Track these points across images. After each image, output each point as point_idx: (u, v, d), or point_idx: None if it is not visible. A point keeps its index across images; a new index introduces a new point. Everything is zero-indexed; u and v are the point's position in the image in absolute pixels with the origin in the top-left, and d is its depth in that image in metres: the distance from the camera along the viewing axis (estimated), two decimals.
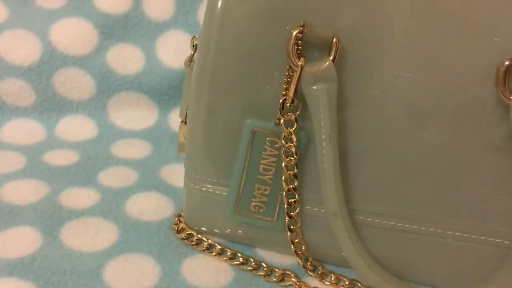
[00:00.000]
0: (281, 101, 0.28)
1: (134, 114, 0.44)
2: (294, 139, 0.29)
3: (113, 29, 0.43)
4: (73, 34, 0.42)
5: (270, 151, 0.30)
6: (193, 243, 0.32)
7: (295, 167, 0.29)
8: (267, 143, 0.30)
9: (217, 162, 0.31)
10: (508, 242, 0.29)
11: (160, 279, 0.29)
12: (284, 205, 0.30)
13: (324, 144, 0.28)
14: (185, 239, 0.33)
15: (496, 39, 0.26)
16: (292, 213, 0.31)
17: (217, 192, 0.32)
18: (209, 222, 0.33)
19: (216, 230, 0.33)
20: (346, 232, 0.29)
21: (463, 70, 0.27)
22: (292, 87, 0.28)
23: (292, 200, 0.30)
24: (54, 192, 0.35)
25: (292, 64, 0.28)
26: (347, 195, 0.30)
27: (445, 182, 0.29)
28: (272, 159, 0.30)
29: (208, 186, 0.32)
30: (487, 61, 0.26)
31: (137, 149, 0.41)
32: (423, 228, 0.30)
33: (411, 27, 0.27)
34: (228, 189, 0.31)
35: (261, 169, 0.30)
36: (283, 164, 0.29)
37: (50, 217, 0.33)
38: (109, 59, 0.43)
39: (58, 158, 0.39)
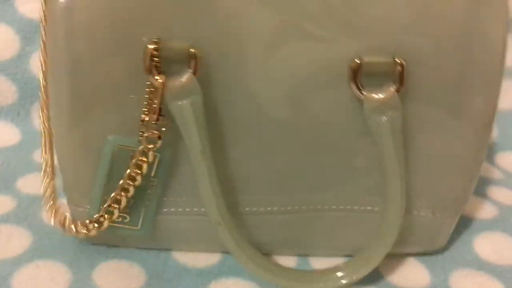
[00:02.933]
0: (145, 118, 0.28)
1: None
2: (150, 157, 0.29)
3: (36, 35, 0.43)
4: None
5: (133, 168, 0.29)
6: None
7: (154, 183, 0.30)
8: (130, 159, 0.29)
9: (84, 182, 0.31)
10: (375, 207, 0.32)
11: (70, 285, 0.30)
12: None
13: (197, 159, 0.29)
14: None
15: (349, 38, 0.28)
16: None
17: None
18: None
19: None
20: (232, 238, 0.30)
21: (319, 70, 0.28)
22: (156, 106, 0.27)
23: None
24: None
25: (152, 81, 0.27)
26: (232, 189, 0.31)
27: (315, 167, 0.31)
28: (134, 174, 0.29)
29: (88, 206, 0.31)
30: (344, 60, 0.28)
31: None
32: (303, 207, 0.32)
33: (265, 34, 0.27)
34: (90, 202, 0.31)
35: (123, 182, 0.29)
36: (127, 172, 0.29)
37: None
38: (32, 65, 0.43)
39: None
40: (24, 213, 0.35)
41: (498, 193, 0.43)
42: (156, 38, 0.27)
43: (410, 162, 0.31)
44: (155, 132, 0.28)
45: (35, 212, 0.35)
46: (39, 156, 0.41)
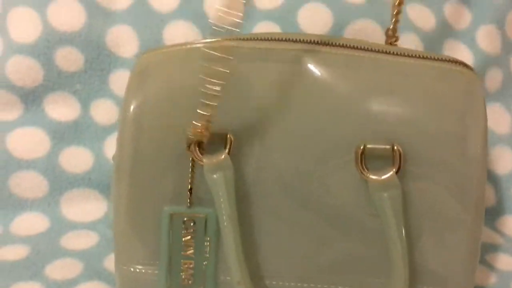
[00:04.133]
0: (189, 186, 0.34)
1: (85, 207, 0.49)
2: (197, 219, 0.34)
3: (64, 134, 0.49)
4: (27, 141, 0.48)
5: (188, 230, 0.35)
6: None
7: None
8: (184, 223, 0.35)
9: (143, 244, 0.36)
10: None
11: None
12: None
13: (225, 223, 0.33)
14: None
15: (354, 125, 0.33)
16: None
17: (148, 271, 0.36)
18: None
19: None
20: None
21: (329, 151, 0.34)
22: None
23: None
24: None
25: (194, 158, 0.33)
26: (255, 264, 0.35)
27: (329, 245, 0.35)
28: (190, 236, 0.35)
29: (137, 266, 0.36)
30: (352, 144, 0.33)
31: (85, 240, 0.46)
32: (318, 285, 0.35)
33: (282, 118, 0.34)
34: (158, 269, 0.36)
35: (183, 246, 0.35)
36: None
37: None
38: (61, 161, 0.48)
39: (10, 253, 0.43)
40: None
41: (497, 259, 0.44)
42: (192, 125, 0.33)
43: (413, 239, 0.34)
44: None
45: None
46: (65, 241, 0.45)
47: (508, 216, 0.51)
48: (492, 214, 0.51)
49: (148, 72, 0.35)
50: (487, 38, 0.52)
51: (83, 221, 0.48)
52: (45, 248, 0.44)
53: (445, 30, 0.52)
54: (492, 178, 0.53)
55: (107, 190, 0.50)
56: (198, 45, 0.35)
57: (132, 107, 0.35)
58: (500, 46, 0.52)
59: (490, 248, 0.46)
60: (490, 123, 0.52)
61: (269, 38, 0.36)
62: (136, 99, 0.35)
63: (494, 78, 0.53)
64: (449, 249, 0.35)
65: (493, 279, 0.42)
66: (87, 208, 0.49)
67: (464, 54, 0.52)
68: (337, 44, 0.35)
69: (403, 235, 0.33)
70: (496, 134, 0.53)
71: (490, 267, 0.43)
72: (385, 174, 0.33)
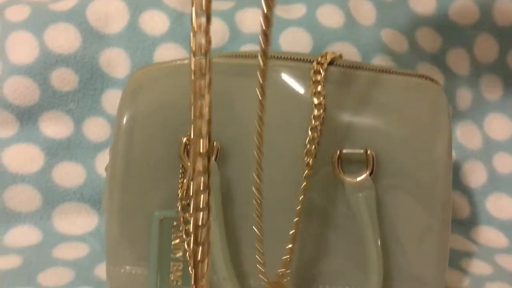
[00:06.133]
0: (179, 192, 0.36)
1: (76, 221, 0.51)
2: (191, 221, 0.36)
3: (57, 151, 0.51)
4: (22, 157, 0.50)
5: (177, 233, 0.37)
6: None
7: None
8: (174, 227, 0.37)
9: (134, 246, 0.38)
10: None
11: None
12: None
13: (212, 224, 0.35)
14: None
15: (330, 134, 0.36)
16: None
17: (139, 272, 0.38)
18: None
19: None
20: None
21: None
22: (186, 182, 0.36)
23: None
24: None
25: (184, 164, 0.36)
26: (239, 263, 0.37)
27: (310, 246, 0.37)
28: (179, 240, 0.37)
29: (127, 267, 0.38)
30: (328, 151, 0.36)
31: (76, 251, 0.47)
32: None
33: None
34: (147, 269, 0.38)
35: (172, 249, 0.37)
36: (185, 242, 0.37)
37: None
38: (54, 176, 0.50)
39: (3, 263, 0.45)
40: None
41: (471, 264, 0.47)
42: (189, 133, 0.35)
43: (386, 242, 0.36)
44: (187, 202, 0.36)
45: None
46: (57, 252, 0.47)
47: (481, 226, 0.53)
48: (467, 225, 0.54)
49: (140, 87, 0.38)
50: (456, 61, 0.56)
51: (74, 234, 0.50)
52: (38, 258, 0.46)
53: (417, 53, 0.56)
54: (465, 191, 0.56)
55: (98, 204, 0.52)
56: (186, 61, 0.39)
57: (125, 119, 0.37)
58: (468, 68, 0.56)
59: (464, 255, 0.48)
60: (463, 140, 0.56)
61: (250, 55, 0.39)
62: (129, 112, 0.37)
63: (464, 97, 0.56)
64: (420, 253, 0.37)
65: (466, 282, 0.44)
66: (79, 221, 0.51)
67: (435, 74, 0.56)
68: (311, 60, 0.38)
69: (378, 234, 0.36)
70: (468, 150, 0.56)
71: (464, 271, 0.46)
72: (359, 176, 0.36)
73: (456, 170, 0.56)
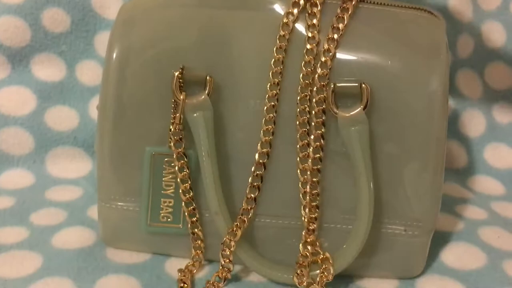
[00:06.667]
0: (171, 127, 0.36)
1: (70, 166, 0.50)
2: (184, 156, 0.36)
3: (50, 94, 0.50)
4: (14, 99, 0.49)
5: (168, 169, 0.37)
6: None
7: (189, 180, 0.36)
8: (165, 163, 0.37)
9: (125, 182, 0.38)
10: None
11: None
12: (185, 213, 0.37)
13: (204, 158, 0.35)
14: None
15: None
16: (193, 219, 0.37)
17: (130, 208, 0.38)
18: (124, 238, 0.39)
19: (132, 244, 0.39)
20: (226, 226, 0.36)
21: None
22: (177, 115, 0.35)
23: (191, 207, 0.37)
24: None
25: (176, 98, 0.35)
26: (232, 200, 0.37)
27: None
28: (171, 176, 0.37)
29: (119, 203, 0.38)
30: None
31: (69, 193, 0.47)
32: (292, 222, 0.37)
33: (256, 64, 0.35)
34: (138, 205, 0.37)
35: (163, 185, 0.37)
36: (178, 178, 0.36)
37: None
38: (47, 119, 0.50)
39: None
40: (36, 241, 0.40)
41: (466, 209, 0.47)
42: (181, 67, 0.35)
43: (379, 178, 0.36)
44: (179, 137, 0.36)
45: (45, 239, 0.40)
46: (50, 194, 0.47)
47: (478, 175, 0.53)
48: (464, 174, 0.54)
49: (132, 18, 0.37)
50: (458, 6, 0.54)
51: (67, 178, 0.50)
52: (30, 199, 0.46)
53: None
54: (464, 140, 0.55)
55: (92, 149, 0.51)
56: None
57: (115, 53, 0.36)
58: (471, 14, 0.55)
59: (459, 201, 0.48)
60: (463, 88, 0.55)
61: None
62: (120, 45, 0.36)
63: (465, 45, 0.55)
64: (414, 189, 0.36)
65: (460, 225, 0.44)
66: (72, 166, 0.51)
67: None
68: None
69: (370, 169, 0.35)
70: (468, 99, 0.55)
71: (458, 216, 0.45)
72: (353, 111, 0.35)
73: (454, 119, 0.55)
